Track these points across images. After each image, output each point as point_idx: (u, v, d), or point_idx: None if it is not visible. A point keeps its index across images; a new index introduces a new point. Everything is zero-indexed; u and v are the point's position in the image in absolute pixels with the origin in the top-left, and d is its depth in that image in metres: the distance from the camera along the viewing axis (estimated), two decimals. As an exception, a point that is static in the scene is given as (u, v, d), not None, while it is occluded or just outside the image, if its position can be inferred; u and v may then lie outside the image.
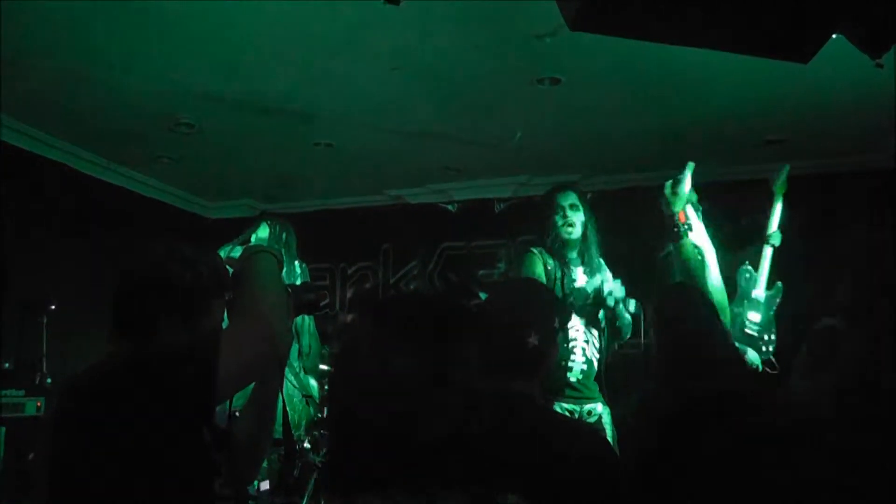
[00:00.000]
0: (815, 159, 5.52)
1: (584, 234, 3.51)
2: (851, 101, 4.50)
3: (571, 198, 3.52)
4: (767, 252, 3.92)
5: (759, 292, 3.92)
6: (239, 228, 7.02)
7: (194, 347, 1.52)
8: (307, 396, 4.21)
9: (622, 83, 4.35)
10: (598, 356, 3.39)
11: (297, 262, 4.30)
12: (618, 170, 5.87)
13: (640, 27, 1.49)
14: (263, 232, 4.29)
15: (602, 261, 3.59)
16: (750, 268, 3.98)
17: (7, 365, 4.29)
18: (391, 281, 6.94)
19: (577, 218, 3.48)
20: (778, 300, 3.97)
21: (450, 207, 6.73)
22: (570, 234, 3.47)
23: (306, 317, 4.26)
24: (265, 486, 4.17)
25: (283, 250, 4.23)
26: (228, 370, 1.47)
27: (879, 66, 1.81)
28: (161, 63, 4.09)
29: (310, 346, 4.33)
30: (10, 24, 3.55)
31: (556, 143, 5.45)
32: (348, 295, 7.04)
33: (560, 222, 3.47)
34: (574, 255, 3.53)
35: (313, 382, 4.32)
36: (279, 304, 1.71)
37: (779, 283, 3.97)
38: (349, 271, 7.06)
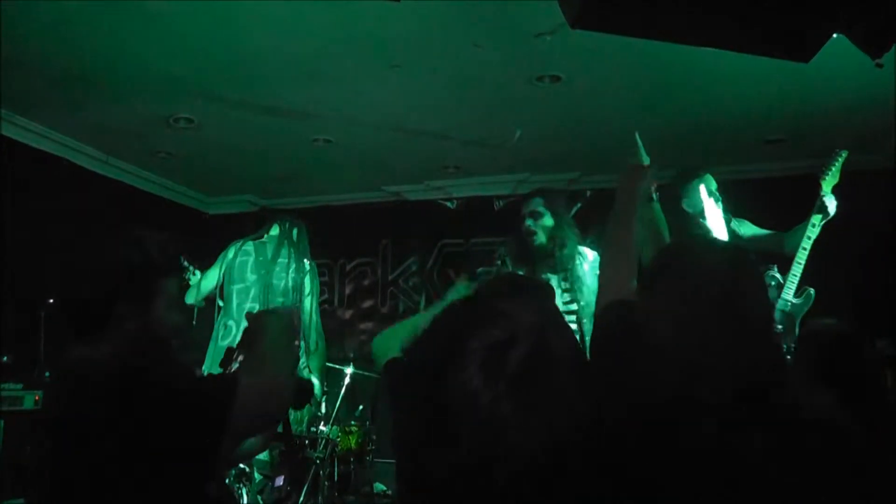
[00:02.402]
0: (814, 159, 5.52)
1: (557, 244, 3.40)
2: (851, 101, 4.51)
3: (534, 204, 3.45)
4: (803, 255, 3.39)
5: (787, 299, 3.40)
6: (238, 224, 7.07)
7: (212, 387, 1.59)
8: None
9: (622, 82, 4.35)
10: None
11: (305, 260, 4.33)
12: (617, 168, 5.85)
13: (641, 26, 1.49)
14: (275, 231, 4.35)
15: (583, 273, 3.40)
16: (778, 274, 3.46)
17: (5, 359, 4.30)
18: (390, 277, 6.94)
19: (540, 226, 3.40)
20: (806, 309, 3.42)
21: (449, 204, 6.73)
22: (532, 241, 3.40)
23: (313, 315, 4.33)
24: (279, 481, 4.19)
25: (291, 249, 4.28)
26: (236, 423, 1.53)
27: (879, 65, 1.81)
28: (161, 59, 4.08)
29: (317, 344, 4.35)
30: (12, 20, 3.55)
31: (555, 141, 5.46)
32: (347, 291, 7.04)
33: (523, 230, 3.41)
34: (542, 265, 3.41)
35: (316, 381, 4.33)
36: (286, 364, 1.80)
37: (810, 291, 3.44)
38: (348, 267, 7.07)
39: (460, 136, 5.37)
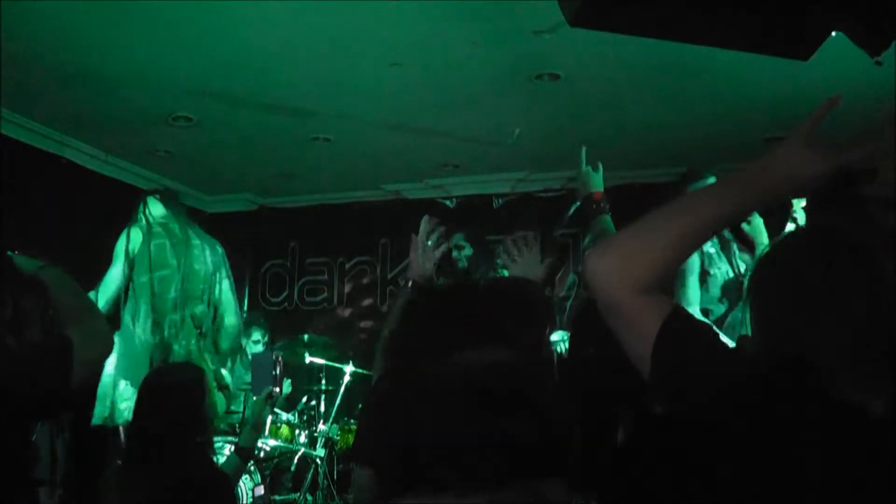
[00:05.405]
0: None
1: (474, 267, 4.62)
2: (851, 100, 4.49)
3: (456, 239, 4.70)
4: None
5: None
6: (238, 222, 7.04)
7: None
8: (223, 387, 3.93)
9: (621, 80, 4.35)
10: None
11: (218, 246, 4.04)
12: (616, 167, 5.85)
13: (640, 24, 1.49)
14: (159, 209, 3.99)
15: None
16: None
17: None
18: (389, 276, 6.94)
19: (462, 255, 4.72)
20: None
21: (448, 203, 6.73)
22: (457, 265, 4.66)
23: (228, 294, 4.01)
24: (259, 490, 4.14)
25: (193, 228, 3.96)
26: None
27: (879, 63, 1.81)
28: (160, 57, 4.08)
29: (222, 319, 4.00)
30: (11, 19, 3.54)
31: (554, 139, 5.45)
32: (346, 290, 7.04)
33: (455, 256, 4.69)
34: None
35: (225, 371, 4.01)
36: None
37: None
38: (347, 266, 7.06)
39: (459, 135, 5.37)
